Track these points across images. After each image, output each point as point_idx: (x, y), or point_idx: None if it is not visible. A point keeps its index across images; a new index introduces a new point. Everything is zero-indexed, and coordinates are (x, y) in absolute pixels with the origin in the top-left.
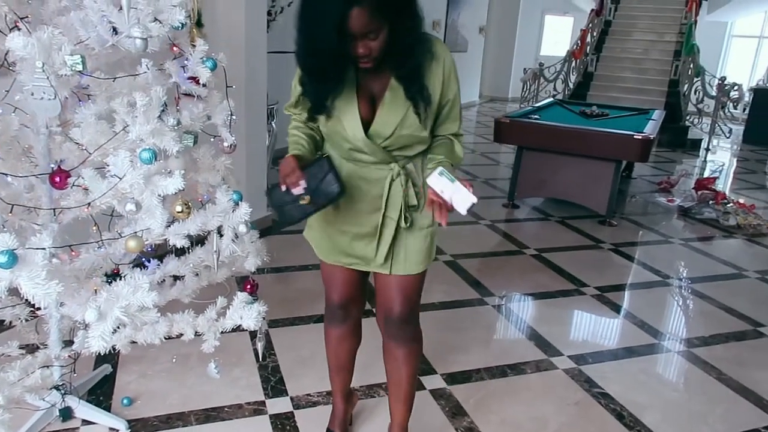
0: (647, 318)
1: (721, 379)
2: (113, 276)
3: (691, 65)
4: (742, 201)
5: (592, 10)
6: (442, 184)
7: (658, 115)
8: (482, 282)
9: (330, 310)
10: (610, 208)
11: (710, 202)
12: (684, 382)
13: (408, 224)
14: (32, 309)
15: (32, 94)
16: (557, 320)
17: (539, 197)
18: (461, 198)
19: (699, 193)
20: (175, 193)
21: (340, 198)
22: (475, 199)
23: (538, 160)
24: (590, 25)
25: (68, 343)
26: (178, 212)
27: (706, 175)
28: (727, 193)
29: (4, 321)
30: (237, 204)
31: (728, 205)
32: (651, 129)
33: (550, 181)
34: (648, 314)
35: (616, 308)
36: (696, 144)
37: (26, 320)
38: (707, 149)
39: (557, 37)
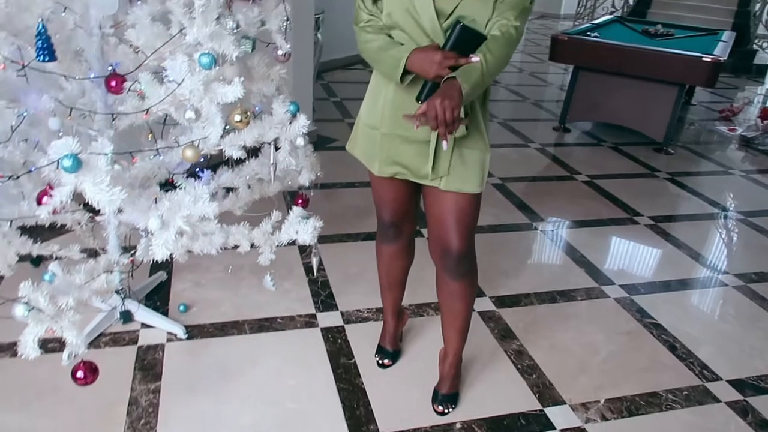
0: (703, 250)
1: None
2: (168, 185)
3: None
4: None
5: None
6: None
7: (728, 36)
8: (532, 207)
9: (382, 228)
10: (668, 135)
11: None
12: (739, 316)
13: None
14: (92, 215)
15: None
16: (608, 248)
17: (592, 121)
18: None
19: (764, 122)
20: (235, 102)
21: None
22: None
23: (594, 81)
24: None
25: (125, 249)
26: (237, 122)
27: None
28: None
29: (65, 225)
30: (294, 116)
31: None
32: (721, 51)
33: (605, 104)
34: (704, 246)
35: (670, 239)
36: (762, 70)
37: (85, 225)
38: None
39: None
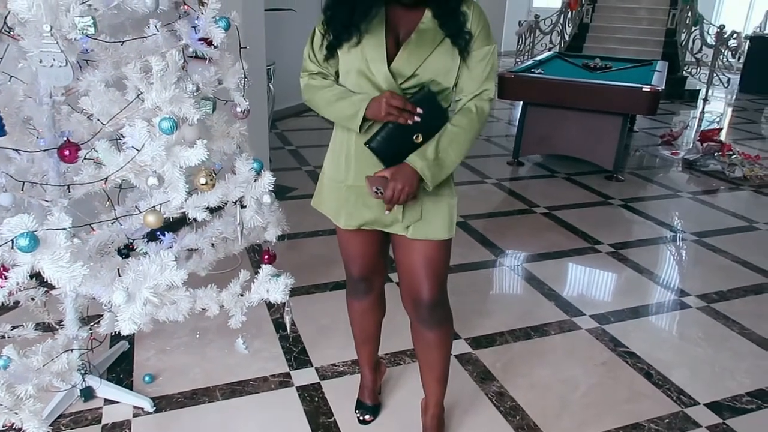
0: (664, 274)
1: (744, 333)
2: (127, 250)
3: (689, 14)
4: (747, 152)
5: None
6: None
7: (662, 65)
8: (496, 243)
9: (352, 282)
10: (617, 163)
11: (716, 154)
12: (707, 337)
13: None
14: (47, 289)
15: (40, 62)
16: (574, 279)
17: (544, 154)
18: None
19: (704, 145)
20: (198, 164)
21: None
22: None
23: (543, 115)
24: None
25: (83, 320)
26: (202, 185)
27: (704, 125)
28: (731, 144)
29: (17, 301)
30: (258, 173)
31: (733, 157)
32: (658, 80)
33: (555, 137)
34: (664, 270)
35: (633, 265)
36: (693, 95)
37: (39, 300)
38: (705, 99)
39: None
